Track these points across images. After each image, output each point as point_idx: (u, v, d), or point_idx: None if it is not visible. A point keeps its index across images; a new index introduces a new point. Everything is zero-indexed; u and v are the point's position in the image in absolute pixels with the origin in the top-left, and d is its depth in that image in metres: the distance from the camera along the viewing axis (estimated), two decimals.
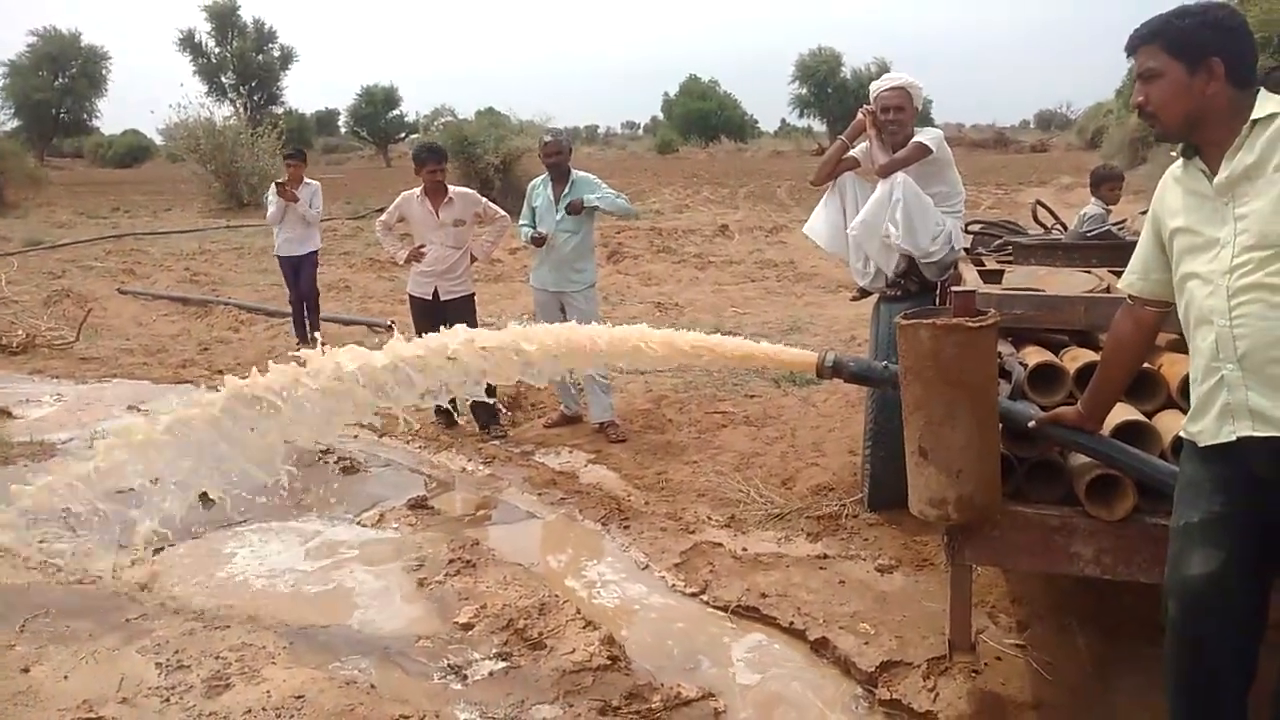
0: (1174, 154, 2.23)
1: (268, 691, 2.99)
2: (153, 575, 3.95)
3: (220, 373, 6.28)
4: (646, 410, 6.23)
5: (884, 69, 40.56)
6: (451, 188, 6.04)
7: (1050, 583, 3.51)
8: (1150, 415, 2.76)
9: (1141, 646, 2.85)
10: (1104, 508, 2.66)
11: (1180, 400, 2.65)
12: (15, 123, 44.87)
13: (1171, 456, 2.52)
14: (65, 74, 46.77)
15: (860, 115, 4.37)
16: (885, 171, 4.14)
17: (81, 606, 3.65)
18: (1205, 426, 2.09)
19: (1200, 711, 2.19)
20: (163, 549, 4.13)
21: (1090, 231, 4.39)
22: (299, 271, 8.49)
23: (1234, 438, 2.03)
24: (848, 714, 3.03)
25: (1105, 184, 6.27)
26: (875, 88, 4.34)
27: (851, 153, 4.46)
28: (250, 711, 2.89)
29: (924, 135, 4.20)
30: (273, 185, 8.56)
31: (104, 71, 48.01)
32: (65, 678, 3.11)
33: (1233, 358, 2.01)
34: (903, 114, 4.25)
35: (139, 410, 6.22)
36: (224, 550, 4.26)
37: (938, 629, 3.19)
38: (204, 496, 3.78)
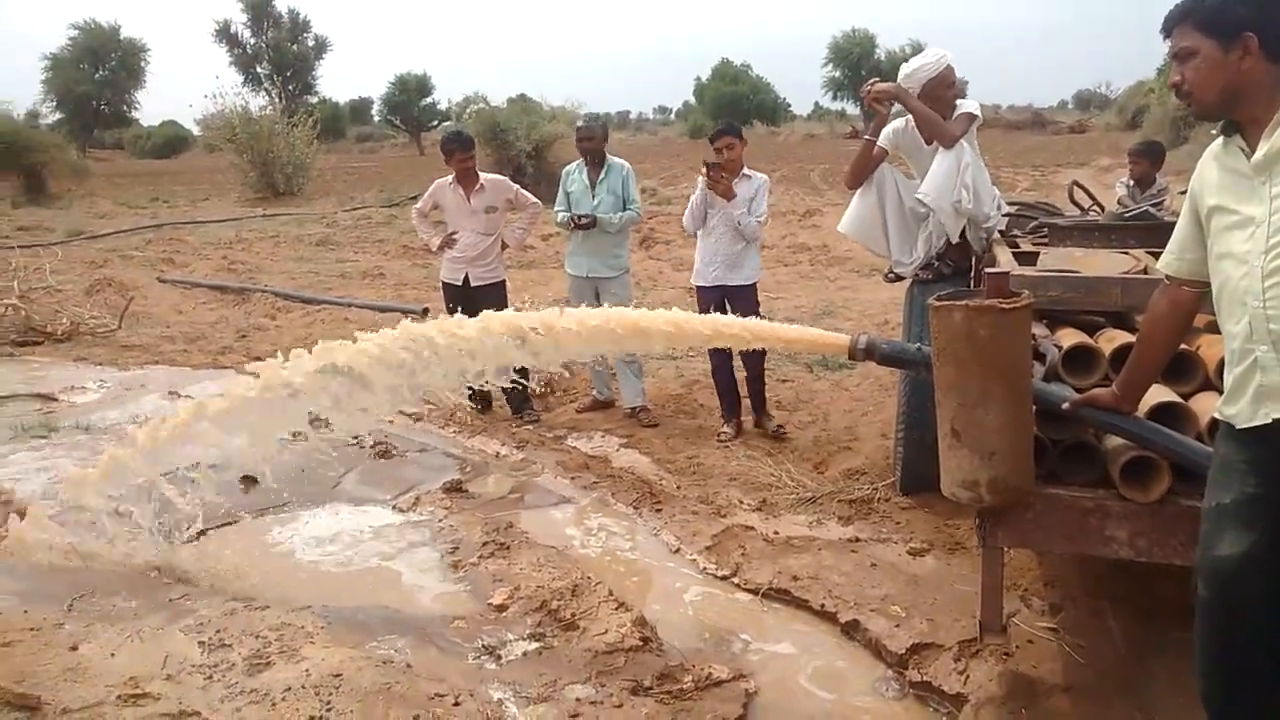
0: (1214, 131, 2.19)
1: (307, 670, 3.04)
2: (195, 557, 4.03)
3: (259, 358, 6.36)
4: (678, 395, 6.24)
5: (919, 50, 39.94)
6: (484, 175, 6.08)
7: (1084, 566, 3.48)
8: (1187, 397, 2.73)
9: (1175, 630, 2.82)
10: (1139, 490, 2.64)
11: (1218, 381, 2.62)
12: (57, 115, 45.68)
13: (1208, 438, 2.49)
14: (105, 66, 47.37)
15: (873, 104, 4.26)
16: (954, 140, 4.11)
17: (126, 587, 3.73)
18: (1240, 409, 2.07)
19: (1231, 693, 2.18)
20: (205, 531, 4.22)
21: (1127, 212, 4.33)
22: (735, 306, 5.31)
23: (1269, 420, 2.01)
24: (878, 696, 3.04)
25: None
26: (928, 68, 4.19)
27: (881, 142, 4.42)
28: (290, 689, 2.94)
29: (966, 105, 4.20)
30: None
31: (143, 64, 48.58)
32: (112, 655, 3.18)
33: (1266, 340, 1.98)
34: (956, 87, 4.25)
35: (179, 395, 6.35)
36: (263, 533, 4.33)
37: (969, 612, 3.18)
38: (247, 478, 3.84)
